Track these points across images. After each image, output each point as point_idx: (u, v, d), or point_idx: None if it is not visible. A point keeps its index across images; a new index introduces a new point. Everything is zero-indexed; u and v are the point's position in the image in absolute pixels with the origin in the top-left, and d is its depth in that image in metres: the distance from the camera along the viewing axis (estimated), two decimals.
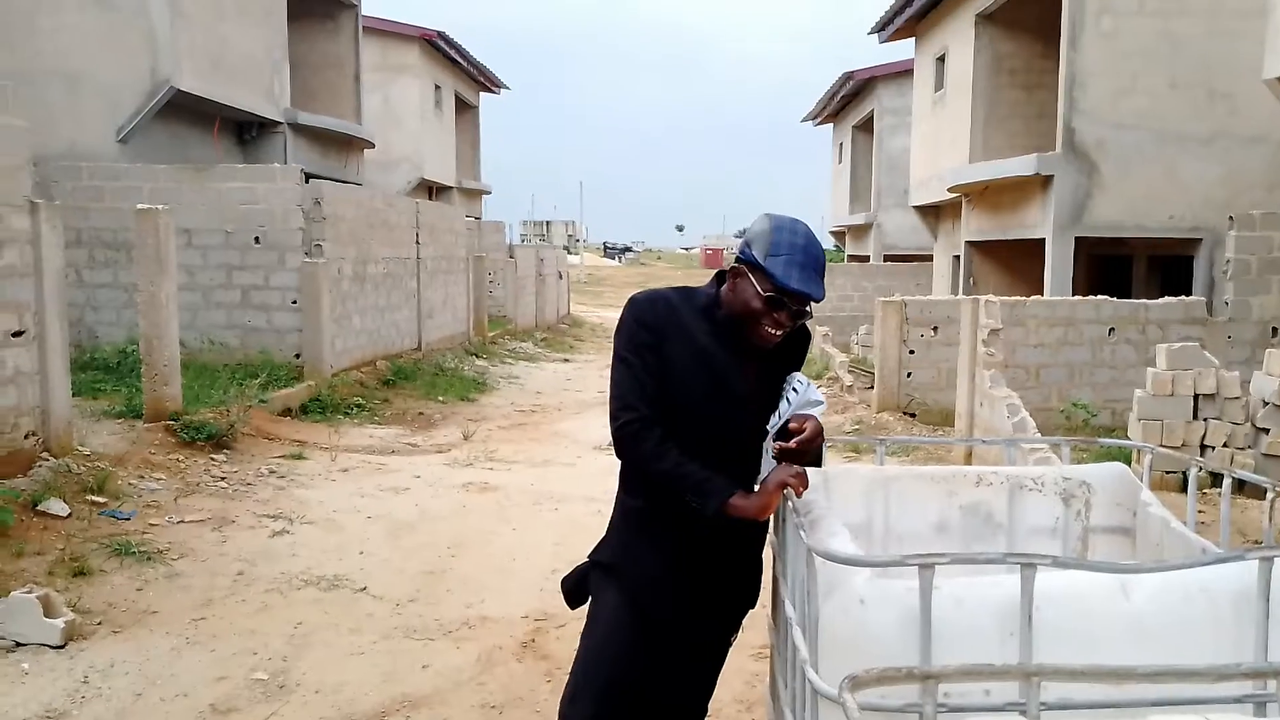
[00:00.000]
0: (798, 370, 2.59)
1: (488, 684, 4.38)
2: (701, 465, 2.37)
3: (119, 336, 10.72)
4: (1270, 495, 2.27)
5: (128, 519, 6.25)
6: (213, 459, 7.76)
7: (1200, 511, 6.14)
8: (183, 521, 6.40)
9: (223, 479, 7.41)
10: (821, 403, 2.52)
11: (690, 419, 2.44)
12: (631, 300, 2.50)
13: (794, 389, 2.50)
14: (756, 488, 2.46)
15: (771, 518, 2.58)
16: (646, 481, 2.50)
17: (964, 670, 1.41)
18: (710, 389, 2.43)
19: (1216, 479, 6.04)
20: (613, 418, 2.45)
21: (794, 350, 2.59)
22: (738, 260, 2.44)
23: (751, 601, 2.70)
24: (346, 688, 4.28)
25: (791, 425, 2.41)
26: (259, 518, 6.68)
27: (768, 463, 2.49)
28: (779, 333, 2.40)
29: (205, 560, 5.79)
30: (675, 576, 2.54)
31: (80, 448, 7.08)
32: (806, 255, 2.37)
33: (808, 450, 2.40)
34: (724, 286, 2.47)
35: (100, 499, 6.39)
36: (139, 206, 8.37)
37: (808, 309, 2.41)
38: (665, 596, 2.55)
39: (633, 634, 2.55)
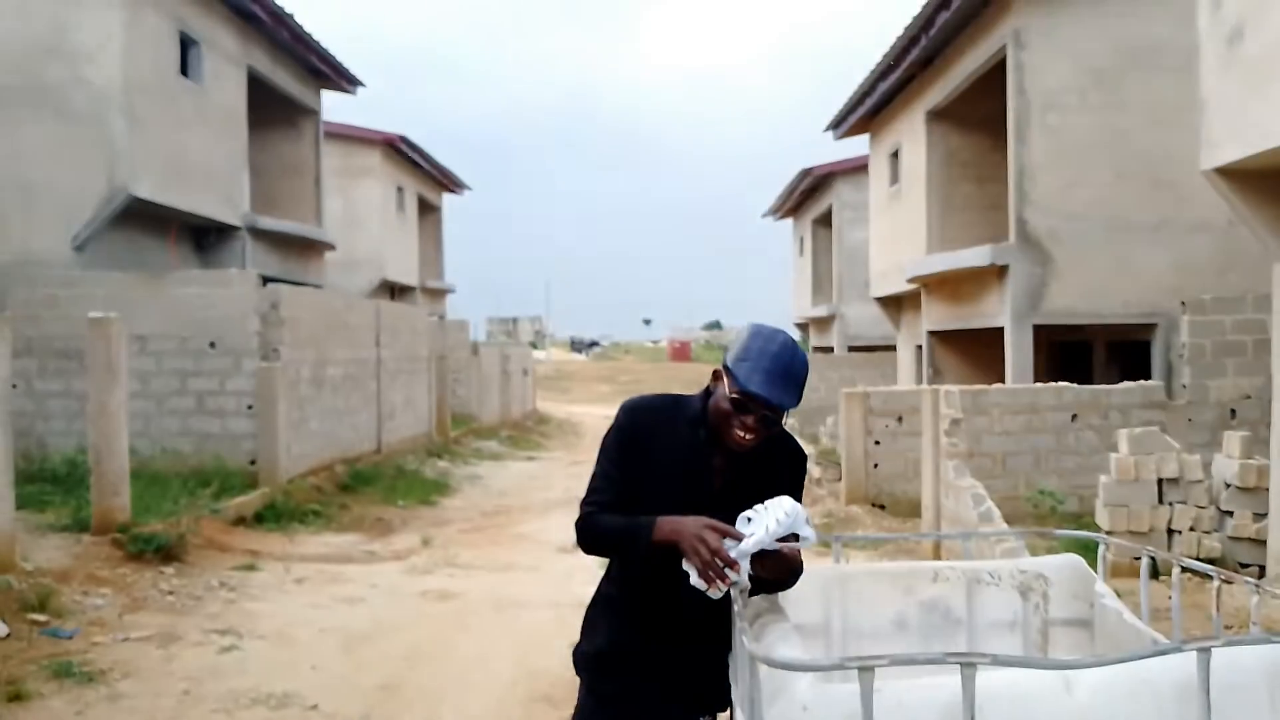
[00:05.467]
0: (789, 494, 2.49)
1: None
2: (665, 565, 2.35)
3: (69, 445, 10.47)
4: (1216, 583, 2.23)
5: (69, 638, 6.01)
6: (161, 572, 7.52)
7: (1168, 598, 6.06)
8: (127, 639, 6.16)
9: (171, 593, 7.17)
10: (810, 539, 2.40)
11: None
12: (623, 406, 2.59)
13: (780, 515, 2.37)
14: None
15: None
16: (617, 566, 2.61)
17: None
18: (680, 493, 2.46)
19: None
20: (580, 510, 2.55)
21: (782, 465, 2.57)
22: (722, 364, 2.50)
23: (722, 699, 2.59)
24: None
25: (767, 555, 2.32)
26: (207, 633, 6.44)
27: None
28: (748, 436, 2.41)
29: (149, 680, 5.55)
30: (622, 651, 2.57)
31: (23, 563, 6.84)
32: (775, 362, 2.38)
33: (780, 577, 2.37)
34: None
35: (42, 617, 6.16)
36: (91, 315, 8.27)
37: (777, 417, 2.41)
38: (610, 670, 2.59)
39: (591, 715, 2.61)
